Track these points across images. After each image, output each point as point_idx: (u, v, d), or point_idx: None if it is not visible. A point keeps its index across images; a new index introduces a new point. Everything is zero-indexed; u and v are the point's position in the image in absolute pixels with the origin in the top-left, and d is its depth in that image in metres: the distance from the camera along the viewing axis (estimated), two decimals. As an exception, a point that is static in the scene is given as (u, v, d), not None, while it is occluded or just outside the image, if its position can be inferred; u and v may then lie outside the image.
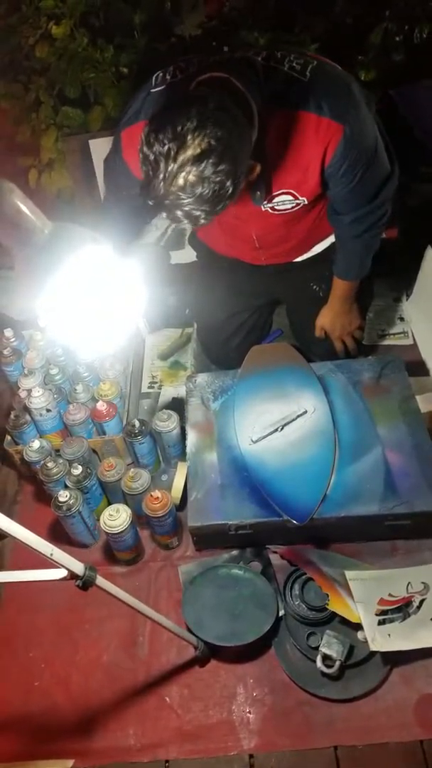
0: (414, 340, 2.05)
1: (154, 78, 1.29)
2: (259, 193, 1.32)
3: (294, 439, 1.56)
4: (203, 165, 1.00)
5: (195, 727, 1.36)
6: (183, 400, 1.75)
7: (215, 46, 2.08)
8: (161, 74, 1.28)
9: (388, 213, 1.49)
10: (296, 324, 1.96)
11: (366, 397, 1.65)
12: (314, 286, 1.79)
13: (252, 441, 1.57)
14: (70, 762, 1.34)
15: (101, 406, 1.63)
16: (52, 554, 0.92)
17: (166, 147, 1.00)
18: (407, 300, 2.12)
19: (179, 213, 1.05)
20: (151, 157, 1.02)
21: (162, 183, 1.02)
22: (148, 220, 1.64)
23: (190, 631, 1.38)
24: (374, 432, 1.57)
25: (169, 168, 1.00)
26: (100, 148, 2.11)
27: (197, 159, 0.99)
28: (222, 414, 1.67)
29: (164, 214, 1.07)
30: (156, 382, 1.99)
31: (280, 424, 1.58)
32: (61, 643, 1.50)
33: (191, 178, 1.00)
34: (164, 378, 2.00)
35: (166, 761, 1.32)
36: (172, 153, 1.00)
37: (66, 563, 0.95)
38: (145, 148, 1.03)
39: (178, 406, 1.78)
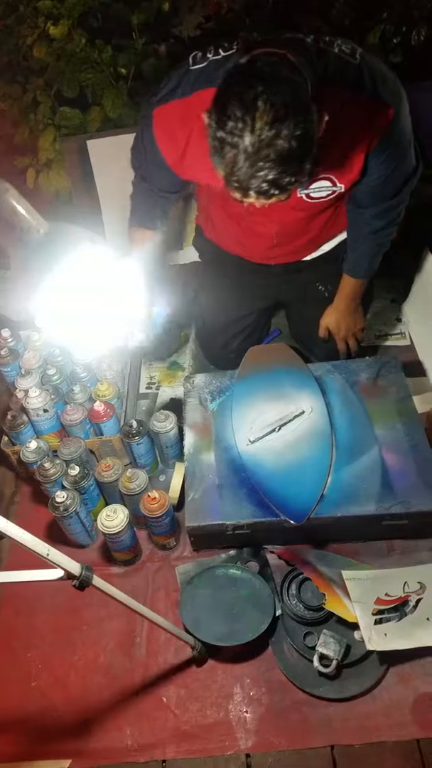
0: (411, 340, 2.05)
1: (191, 57, 1.23)
2: None
3: (291, 439, 1.57)
4: (283, 125, 0.95)
5: (192, 727, 1.36)
6: (181, 400, 1.75)
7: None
8: (200, 53, 1.23)
9: (403, 212, 1.49)
10: (298, 324, 1.95)
11: (363, 398, 1.65)
12: (320, 287, 1.78)
13: (249, 441, 1.57)
14: (67, 762, 1.34)
15: (99, 406, 1.64)
16: (48, 554, 0.92)
17: (239, 121, 0.95)
18: (404, 301, 2.12)
19: (266, 186, 1.00)
20: (228, 137, 0.97)
21: (245, 159, 0.97)
22: (175, 200, 1.58)
23: (187, 631, 1.39)
24: (371, 432, 1.58)
25: (248, 141, 0.95)
26: (98, 148, 2.11)
27: (274, 121, 0.95)
28: (220, 414, 1.67)
29: (251, 193, 1.01)
30: (154, 383, 2.00)
31: (277, 424, 1.58)
32: (58, 644, 1.50)
33: (277, 142, 0.95)
34: (162, 378, 2.00)
35: (163, 761, 1.33)
36: (249, 124, 0.95)
37: (62, 563, 0.95)
38: (218, 132, 0.98)
39: (176, 406, 1.78)
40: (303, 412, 1.60)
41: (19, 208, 0.80)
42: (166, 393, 1.95)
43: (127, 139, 2.07)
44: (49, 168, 2.23)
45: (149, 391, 1.97)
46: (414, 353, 2.01)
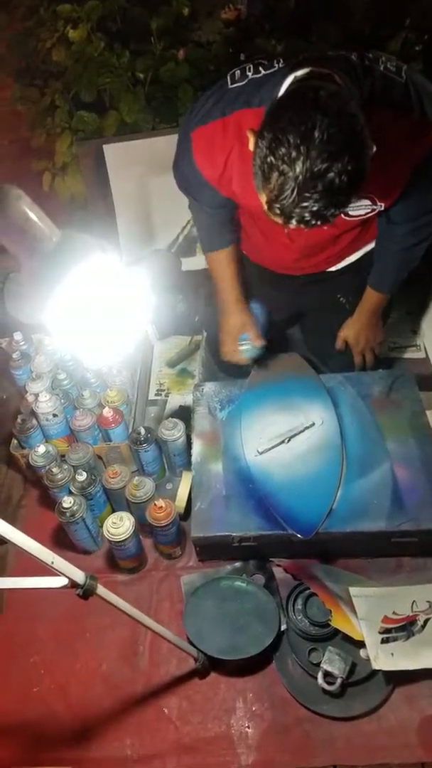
0: (426, 353, 2.02)
1: (230, 75, 1.21)
2: None
3: (301, 451, 1.55)
4: (336, 160, 0.93)
5: (193, 739, 1.34)
6: (190, 408, 1.74)
7: (232, 53, 2.08)
8: (238, 71, 1.21)
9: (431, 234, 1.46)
10: (314, 335, 1.92)
11: (375, 411, 1.63)
12: (341, 298, 1.75)
13: (258, 452, 1.55)
14: (67, 771, 1.33)
15: (107, 412, 1.63)
16: (53, 562, 0.92)
17: (292, 149, 0.93)
18: (420, 313, 2.10)
19: (308, 216, 0.98)
20: (278, 163, 0.95)
21: (292, 189, 0.95)
22: (235, 208, 1.52)
23: (190, 642, 1.37)
24: (383, 446, 1.55)
25: (299, 170, 0.94)
26: (114, 153, 2.11)
27: (329, 155, 0.93)
28: (229, 424, 1.65)
29: (293, 222, 1.00)
30: (163, 390, 1.99)
31: (287, 435, 1.57)
32: (61, 651, 1.50)
33: (328, 176, 0.94)
34: (171, 386, 1.99)
35: (163, 774, 1.31)
36: (303, 153, 0.93)
37: (67, 572, 0.95)
38: (269, 157, 0.96)
39: (184, 414, 1.77)
40: (313, 424, 1.59)
41: (32, 216, 0.79)
42: (175, 400, 1.94)
43: (144, 144, 2.09)
44: (65, 172, 2.23)
45: (158, 398, 1.96)
46: (429, 366, 1.98)
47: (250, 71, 1.19)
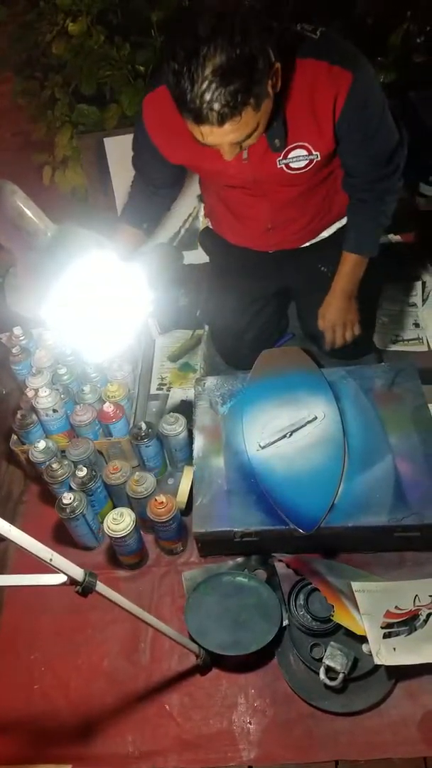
0: (429, 346, 2.01)
1: None
2: (277, 141, 1.32)
3: (303, 445, 1.54)
4: (220, 39, 1.01)
5: (194, 736, 1.34)
6: (191, 403, 1.73)
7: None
8: None
9: (400, 185, 1.49)
10: (307, 315, 1.90)
11: (378, 405, 1.62)
12: (322, 268, 1.74)
13: (260, 447, 1.54)
14: (68, 767, 1.32)
15: (108, 407, 1.62)
16: (51, 559, 0.91)
17: (184, 49, 1.03)
18: (422, 305, 2.08)
19: (218, 106, 1.05)
20: (174, 65, 1.04)
21: (190, 82, 1.04)
22: (168, 204, 1.66)
23: (192, 638, 1.36)
24: (385, 440, 1.54)
25: (194, 62, 1.02)
26: (115, 146, 2.10)
27: (213, 36, 1.01)
28: (230, 418, 1.64)
29: (204, 113, 1.07)
30: (165, 384, 1.98)
31: (289, 430, 1.56)
32: (62, 647, 1.49)
33: (216, 56, 1.02)
34: (173, 380, 1.98)
35: (165, 770, 1.31)
36: (190, 48, 1.02)
37: (66, 569, 0.94)
38: (171, 63, 1.05)
39: (186, 408, 1.76)
40: (315, 418, 1.57)
41: (26, 210, 0.78)
42: (177, 395, 1.93)
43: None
44: (66, 165, 2.23)
45: (160, 392, 1.95)
46: (432, 359, 1.96)
47: None
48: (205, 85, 1.04)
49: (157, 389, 1.97)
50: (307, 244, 1.68)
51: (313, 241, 1.68)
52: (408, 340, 2.03)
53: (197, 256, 2.10)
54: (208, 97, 1.04)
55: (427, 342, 2.02)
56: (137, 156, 1.53)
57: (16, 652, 1.50)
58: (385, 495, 1.45)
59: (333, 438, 1.54)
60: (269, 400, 1.63)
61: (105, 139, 2.10)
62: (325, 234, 1.67)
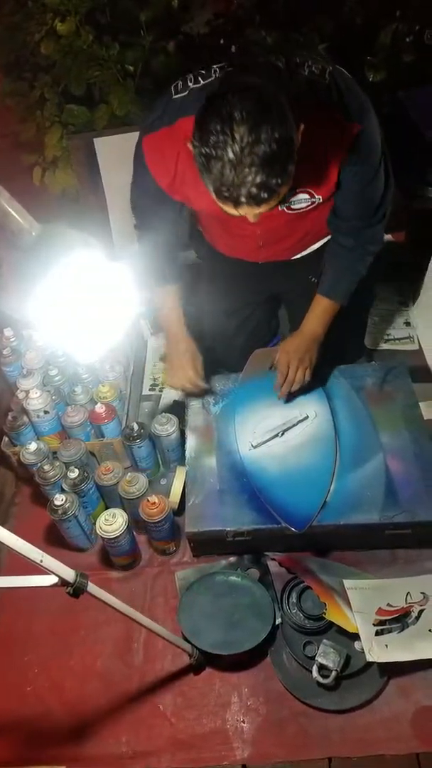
0: (419, 345, 2.02)
1: (173, 87, 1.29)
2: None
3: (294, 444, 1.55)
4: (261, 130, 1.00)
5: (188, 735, 1.34)
6: (184, 403, 1.73)
7: (223, 45, 2.06)
8: (180, 82, 1.29)
9: (381, 239, 1.49)
10: (295, 318, 1.91)
11: (369, 404, 1.63)
12: (312, 278, 1.75)
13: (252, 446, 1.55)
14: (62, 768, 1.33)
15: (100, 408, 1.62)
16: (42, 561, 0.91)
17: (220, 134, 1.01)
18: (413, 305, 2.09)
19: (255, 190, 1.04)
20: (212, 152, 1.02)
21: (230, 169, 1.02)
22: (184, 238, 1.60)
23: (185, 638, 1.37)
24: (376, 439, 1.55)
25: (231, 151, 1.01)
26: (105, 146, 2.09)
27: (252, 128, 1.00)
28: (222, 418, 1.65)
29: (243, 200, 1.06)
30: (157, 385, 1.98)
31: (280, 429, 1.56)
32: (55, 648, 1.49)
33: (259, 147, 1.01)
34: (165, 380, 1.97)
35: (159, 770, 1.31)
36: (229, 134, 1.01)
37: (57, 570, 0.94)
38: (203, 149, 1.04)
39: (178, 409, 1.76)
40: (307, 417, 1.58)
41: (10, 210, 0.78)
42: (169, 395, 1.93)
43: (135, 137, 2.05)
44: (56, 166, 2.21)
45: (152, 393, 1.96)
46: (422, 358, 1.97)
47: (191, 81, 1.27)
48: (245, 175, 1.02)
49: (150, 390, 1.97)
50: (298, 256, 1.68)
51: (304, 253, 1.67)
52: (399, 339, 2.04)
53: (189, 256, 2.10)
54: (248, 186, 1.03)
55: (418, 341, 2.03)
56: (141, 200, 1.48)
57: (9, 654, 1.49)
58: (377, 493, 1.46)
59: (325, 437, 1.55)
60: (261, 400, 1.63)
61: (95, 140, 2.08)
62: (316, 246, 1.66)
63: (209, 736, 1.33)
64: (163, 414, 1.64)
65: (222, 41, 2.07)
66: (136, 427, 1.59)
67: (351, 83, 1.29)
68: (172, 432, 1.63)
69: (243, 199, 1.06)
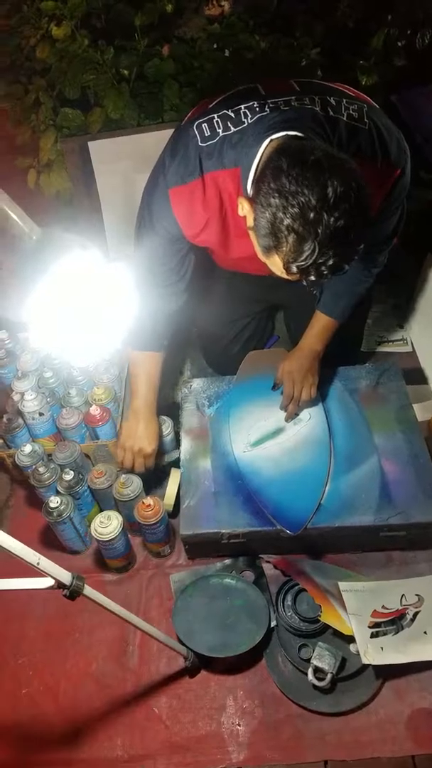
0: (413, 347, 2.03)
1: (196, 128, 1.21)
2: None
3: (289, 446, 1.55)
4: (353, 219, 0.97)
5: (184, 738, 1.34)
6: (178, 405, 1.73)
7: (216, 49, 2.07)
8: (206, 126, 1.21)
9: (385, 261, 1.49)
10: (294, 329, 1.93)
11: (363, 405, 1.63)
12: (314, 291, 1.76)
13: (247, 448, 1.55)
14: (57, 772, 1.32)
15: (94, 410, 1.62)
16: (38, 563, 0.91)
17: (309, 210, 0.96)
18: (407, 307, 2.10)
19: (325, 270, 1.00)
20: (296, 226, 0.97)
21: (313, 248, 0.97)
22: (184, 296, 1.49)
23: (180, 641, 1.36)
24: (370, 441, 1.56)
25: (323, 233, 0.96)
26: (99, 149, 2.10)
27: (343, 210, 0.96)
28: (217, 420, 1.65)
29: (310, 276, 1.02)
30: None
31: (275, 430, 1.56)
32: (50, 651, 1.48)
33: (348, 235, 0.98)
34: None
35: (154, 773, 1.31)
36: (319, 212, 0.96)
37: (53, 572, 0.94)
38: (283, 221, 0.98)
39: (173, 411, 1.76)
40: (301, 419, 1.58)
41: (11, 214, 0.78)
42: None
43: (129, 141, 2.08)
44: (50, 169, 2.22)
45: (147, 395, 1.95)
46: (415, 360, 1.98)
47: (219, 127, 1.20)
48: (327, 258, 0.99)
49: (144, 392, 1.96)
50: None
51: None
52: (392, 341, 2.05)
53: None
54: (321, 266, 1.00)
55: (411, 343, 2.04)
56: (154, 254, 1.37)
57: (3, 657, 1.49)
58: (371, 495, 1.46)
59: (319, 439, 1.55)
60: (255, 402, 1.63)
61: (90, 143, 2.09)
62: None
63: (204, 739, 1.33)
64: (159, 416, 1.64)
65: (215, 46, 2.08)
66: (130, 429, 1.58)
67: (387, 121, 1.27)
68: (166, 434, 1.63)
69: (313, 277, 1.02)
